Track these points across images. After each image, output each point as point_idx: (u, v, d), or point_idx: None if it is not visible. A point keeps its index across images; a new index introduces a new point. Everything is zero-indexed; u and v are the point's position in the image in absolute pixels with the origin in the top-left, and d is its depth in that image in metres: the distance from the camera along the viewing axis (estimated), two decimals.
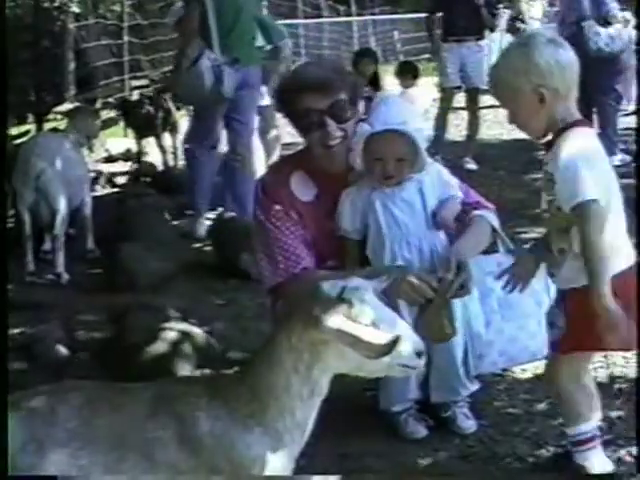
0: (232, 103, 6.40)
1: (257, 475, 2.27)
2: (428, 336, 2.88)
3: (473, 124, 8.94)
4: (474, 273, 2.94)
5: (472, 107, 8.87)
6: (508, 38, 17.95)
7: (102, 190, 8.40)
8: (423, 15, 9.99)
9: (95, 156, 8.95)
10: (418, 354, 2.31)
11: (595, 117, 8.26)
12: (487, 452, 3.16)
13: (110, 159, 10.18)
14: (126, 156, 10.08)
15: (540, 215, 2.88)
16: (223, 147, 6.95)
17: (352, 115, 3.16)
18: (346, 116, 3.14)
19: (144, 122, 9.06)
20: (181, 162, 8.57)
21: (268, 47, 7.18)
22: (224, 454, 2.25)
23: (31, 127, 9.71)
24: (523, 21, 13.39)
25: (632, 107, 10.84)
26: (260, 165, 7.20)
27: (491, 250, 3.21)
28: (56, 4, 13.56)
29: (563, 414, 2.94)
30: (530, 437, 3.23)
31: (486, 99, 8.40)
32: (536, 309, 3.10)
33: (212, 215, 6.76)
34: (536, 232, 4.85)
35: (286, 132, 7.08)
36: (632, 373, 3.64)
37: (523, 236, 5.29)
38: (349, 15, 23.49)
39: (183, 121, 9.14)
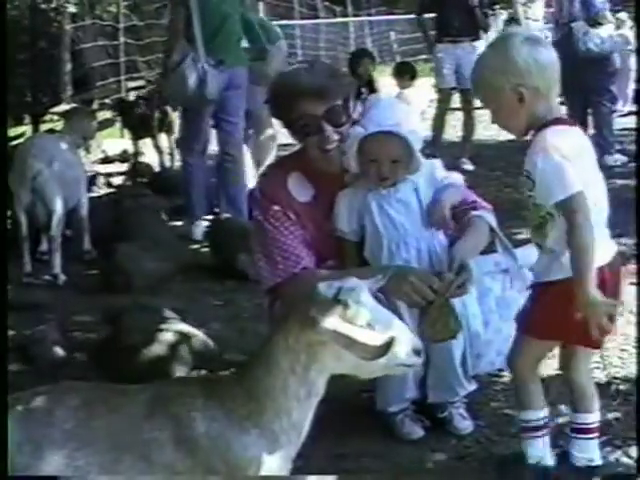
0: (220, 104, 6.43)
1: (253, 476, 2.27)
2: (434, 336, 2.90)
3: (468, 125, 8.95)
4: (473, 273, 2.95)
5: (467, 108, 8.87)
6: None
7: (98, 191, 8.39)
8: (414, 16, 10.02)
9: (91, 157, 8.95)
10: (416, 352, 2.31)
11: (590, 118, 8.29)
12: (484, 452, 3.17)
13: (106, 160, 10.18)
14: (122, 157, 10.08)
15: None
16: (214, 149, 6.96)
17: (348, 119, 3.17)
18: (342, 120, 3.15)
19: (140, 123, 9.06)
20: (177, 163, 8.57)
21: (248, 46, 7.12)
22: (220, 455, 2.25)
23: (27, 128, 9.71)
24: (519, 22, 13.41)
25: (628, 108, 10.89)
26: (252, 166, 7.23)
27: (489, 250, 3.21)
28: (52, 5, 13.55)
29: (516, 396, 2.94)
30: None
31: None
32: None
33: (209, 217, 6.76)
34: None
35: (282, 132, 7.08)
36: (630, 374, 3.65)
37: (519, 236, 5.29)
38: (345, 16, 23.52)
39: (179, 122, 9.14)
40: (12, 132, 7.73)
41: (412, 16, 8.94)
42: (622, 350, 3.92)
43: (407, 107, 3.25)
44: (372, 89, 8.90)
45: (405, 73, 9.53)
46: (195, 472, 2.25)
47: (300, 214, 3.21)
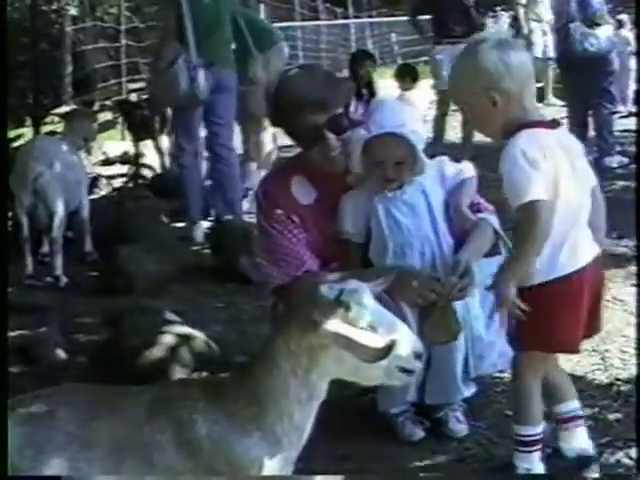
0: (210, 106, 6.43)
1: (256, 476, 2.27)
2: (435, 338, 2.90)
3: (468, 126, 8.94)
4: (476, 276, 2.95)
5: None
6: None
7: (99, 192, 8.39)
8: (401, 19, 10.04)
9: (93, 159, 8.96)
10: (417, 356, 2.32)
11: (590, 119, 8.29)
12: (485, 454, 3.17)
13: (107, 162, 10.17)
14: (123, 159, 10.08)
15: None
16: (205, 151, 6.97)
17: (349, 125, 3.17)
18: (344, 127, 3.16)
19: (141, 125, 9.07)
20: None
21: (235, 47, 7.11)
22: (222, 457, 2.25)
23: (27, 130, 9.71)
24: (520, 24, 13.42)
25: (628, 109, 10.89)
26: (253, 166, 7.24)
27: (493, 252, 3.21)
28: (54, 7, 13.57)
29: (519, 412, 2.92)
30: None
31: None
32: None
33: (209, 219, 6.76)
34: None
35: (281, 132, 7.07)
36: (631, 375, 3.65)
37: None
38: (346, 17, 23.49)
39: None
40: (12, 134, 7.74)
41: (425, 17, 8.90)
42: (623, 352, 3.92)
43: (410, 109, 3.25)
44: (372, 91, 8.91)
45: (407, 75, 9.53)
46: (197, 475, 2.25)
47: (303, 217, 3.21)
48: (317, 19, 22.64)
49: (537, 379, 2.85)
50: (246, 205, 7.16)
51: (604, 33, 8.13)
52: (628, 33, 11.28)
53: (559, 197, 2.64)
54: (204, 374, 3.90)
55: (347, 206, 3.20)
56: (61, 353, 4.25)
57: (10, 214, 6.00)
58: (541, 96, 12.78)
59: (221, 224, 6.25)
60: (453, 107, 9.44)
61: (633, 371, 3.69)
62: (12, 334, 4.18)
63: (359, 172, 3.15)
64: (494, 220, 3.23)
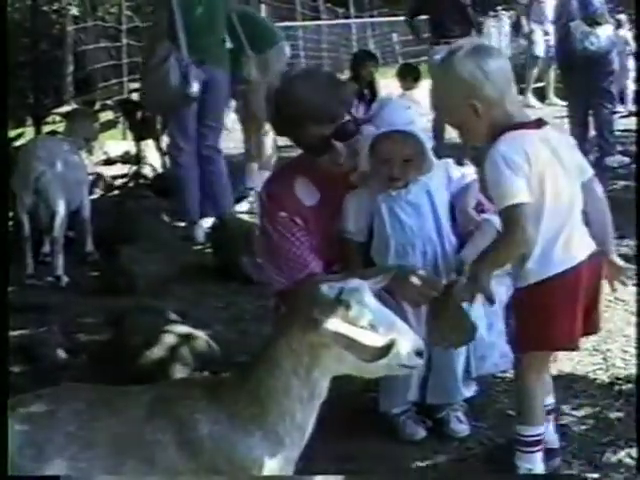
0: (200, 106, 6.42)
1: (258, 476, 2.27)
2: (454, 341, 2.90)
3: None
4: None
5: None
6: (507, 40, 18.06)
7: (100, 192, 8.39)
8: (402, 18, 10.01)
9: (94, 158, 8.95)
10: (418, 353, 2.32)
11: (591, 119, 8.28)
12: (486, 454, 3.16)
13: (109, 162, 10.17)
14: (125, 159, 10.07)
15: None
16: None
17: (356, 130, 3.16)
18: (351, 133, 3.15)
19: (143, 124, 9.06)
20: None
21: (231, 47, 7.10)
22: (224, 457, 2.25)
23: (28, 130, 9.71)
24: (520, 24, 13.43)
25: (628, 109, 10.89)
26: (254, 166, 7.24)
27: None
28: (55, 7, 13.58)
29: (522, 413, 2.92)
30: None
31: None
32: None
33: (209, 219, 6.75)
34: None
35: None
36: (632, 374, 3.65)
37: None
38: (348, 17, 23.48)
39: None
40: (13, 133, 7.74)
41: (422, 17, 8.89)
42: (624, 351, 3.92)
43: (417, 106, 3.25)
44: (374, 91, 8.90)
45: (409, 75, 9.51)
46: (198, 475, 2.25)
47: (307, 218, 3.21)
48: (318, 19, 22.62)
49: (539, 379, 2.86)
50: (246, 205, 7.16)
51: (605, 32, 8.12)
52: (627, 33, 11.29)
53: (548, 195, 2.66)
54: (205, 374, 3.89)
55: (350, 205, 3.20)
56: (62, 353, 4.25)
57: (11, 214, 6.00)
58: (542, 96, 12.79)
59: (222, 224, 6.24)
60: None
61: (634, 370, 3.69)
62: (13, 334, 4.18)
63: (365, 170, 3.14)
64: (496, 220, 3.22)
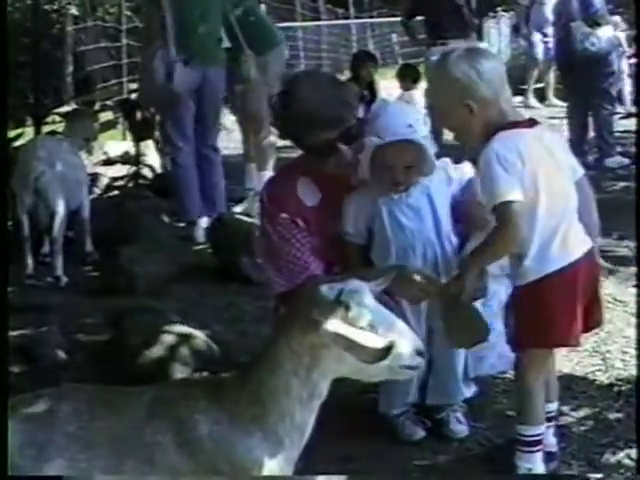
0: (198, 104, 6.43)
1: (259, 476, 2.27)
2: (466, 342, 2.90)
3: None
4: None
5: None
6: (506, 41, 18.08)
7: (98, 191, 8.38)
8: (398, 19, 9.99)
9: (93, 159, 8.95)
10: (418, 353, 2.32)
11: (591, 120, 8.29)
12: (485, 454, 3.17)
13: (108, 162, 10.16)
14: (124, 159, 10.06)
15: None
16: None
17: (360, 132, 3.16)
18: (356, 136, 3.15)
19: (142, 124, 9.05)
20: None
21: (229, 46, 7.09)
22: (224, 458, 2.25)
23: (28, 130, 9.70)
24: (519, 26, 13.44)
25: (628, 109, 10.89)
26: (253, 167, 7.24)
27: None
28: (55, 7, 13.57)
29: (522, 412, 2.93)
30: None
31: None
32: None
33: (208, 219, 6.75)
34: None
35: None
36: (632, 376, 3.65)
37: None
38: (347, 18, 23.48)
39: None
40: (13, 133, 7.74)
41: (419, 18, 8.87)
42: (624, 352, 3.92)
43: (414, 109, 3.25)
44: (373, 92, 8.90)
45: (408, 75, 9.51)
46: (198, 475, 2.25)
47: (309, 219, 3.20)
48: (318, 19, 22.63)
49: (539, 379, 2.86)
50: (245, 206, 7.15)
51: (605, 33, 8.14)
52: (620, 34, 11.28)
53: (542, 193, 2.69)
54: (204, 374, 3.90)
55: (350, 207, 3.19)
56: (61, 353, 4.25)
57: (11, 214, 6.00)
58: (542, 97, 12.79)
59: (222, 224, 6.23)
60: None
61: (634, 372, 3.69)
62: (13, 334, 4.18)
63: (366, 177, 3.13)
64: None
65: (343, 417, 3.19)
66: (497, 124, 2.74)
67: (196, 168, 6.62)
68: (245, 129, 7.83)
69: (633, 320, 4.20)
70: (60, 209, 5.70)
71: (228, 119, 9.51)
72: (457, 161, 3.31)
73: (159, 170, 9.13)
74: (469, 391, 3.30)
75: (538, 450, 2.89)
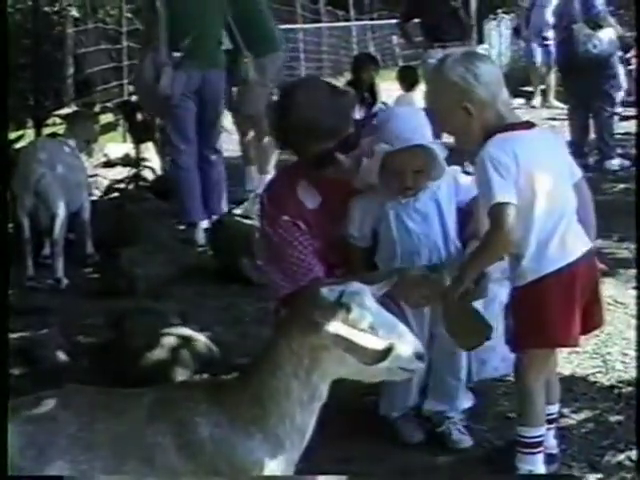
0: (198, 106, 6.43)
1: (261, 476, 2.27)
2: (469, 343, 2.89)
3: None
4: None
5: None
6: (507, 43, 18.08)
7: (101, 194, 8.39)
8: (395, 21, 9.98)
9: (94, 161, 8.95)
10: (418, 356, 2.32)
11: (591, 122, 8.29)
12: (486, 457, 3.17)
13: (109, 164, 10.16)
14: (125, 161, 10.06)
15: None
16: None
17: (358, 142, 3.16)
18: (354, 145, 3.15)
19: (143, 127, 9.05)
20: None
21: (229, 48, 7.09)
22: (224, 460, 2.26)
23: (28, 132, 9.70)
24: (520, 28, 13.43)
25: (628, 111, 10.88)
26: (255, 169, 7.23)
27: None
28: (55, 9, 13.57)
29: (523, 414, 2.93)
30: None
31: None
32: None
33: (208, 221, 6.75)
34: None
35: None
36: (632, 378, 3.65)
37: None
38: (348, 20, 23.49)
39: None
40: (14, 135, 7.74)
41: (416, 20, 8.87)
42: (624, 354, 3.92)
43: (421, 113, 3.24)
44: (374, 94, 8.90)
45: (409, 77, 9.50)
46: (199, 477, 2.25)
47: (310, 221, 3.20)
48: (319, 21, 22.64)
49: (539, 380, 2.87)
50: (246, 208, 7.14)
51: (606, 35, 8.13)
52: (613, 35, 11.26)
53: (539, 194, 2.71)
54: (205, 376, 3.90)
55: (355, 210, 3.19)
56: (62, 355, 4.25)
57: (11, 216, 6.00)
58: (543, 99, 12.79)
59: (222, 226, 6.23)
60: None
61: (634, 374, 3.69)
62: (13, 336, 4.18)
63: (373, 182, 3.13)
64: None
65: (343, 419, 3.19)
66: (495, 126, 2.77)
67: (197, 170, 6.62)
68: (243, 131, 7.82)
69: (633, 322, 4.19)
70: (61, 211, 5.70)
71: (228, 121, 9.49)
72: (457, 163, 3.32)
73: (159, 172, 9.13)
74: (468, 402, 3.30)
75: (539, 452, 2.89)
